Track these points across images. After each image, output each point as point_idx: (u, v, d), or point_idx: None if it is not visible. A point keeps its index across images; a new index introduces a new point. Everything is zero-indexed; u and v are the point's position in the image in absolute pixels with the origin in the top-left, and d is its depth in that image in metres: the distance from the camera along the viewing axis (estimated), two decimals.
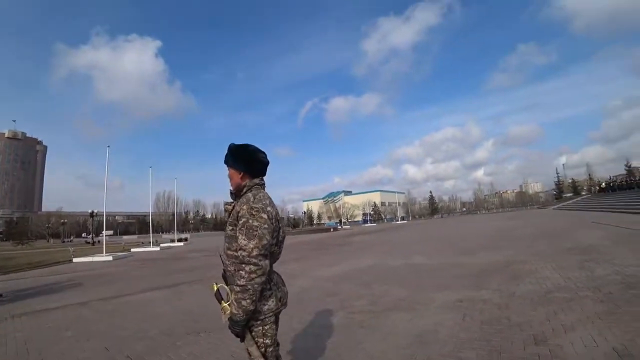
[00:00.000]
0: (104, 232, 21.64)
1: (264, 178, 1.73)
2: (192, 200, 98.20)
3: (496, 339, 2.94)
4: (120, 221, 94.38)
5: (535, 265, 6.15)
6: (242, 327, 1.49)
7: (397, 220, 72.32)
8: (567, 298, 3.99)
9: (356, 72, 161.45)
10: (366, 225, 59.05)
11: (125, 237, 56.69)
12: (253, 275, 1.41)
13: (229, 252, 1.58)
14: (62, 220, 70.59)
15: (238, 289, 1.43)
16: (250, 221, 1.46)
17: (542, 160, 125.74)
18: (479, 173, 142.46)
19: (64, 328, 4.43)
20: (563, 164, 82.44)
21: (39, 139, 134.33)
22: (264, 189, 1.67)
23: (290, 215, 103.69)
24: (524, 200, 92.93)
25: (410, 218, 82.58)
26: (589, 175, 72.10)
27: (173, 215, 77.42)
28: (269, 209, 1.52)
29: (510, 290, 4.62)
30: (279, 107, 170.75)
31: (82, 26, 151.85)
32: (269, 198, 1.61)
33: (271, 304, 1.54)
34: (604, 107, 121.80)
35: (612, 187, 38.08)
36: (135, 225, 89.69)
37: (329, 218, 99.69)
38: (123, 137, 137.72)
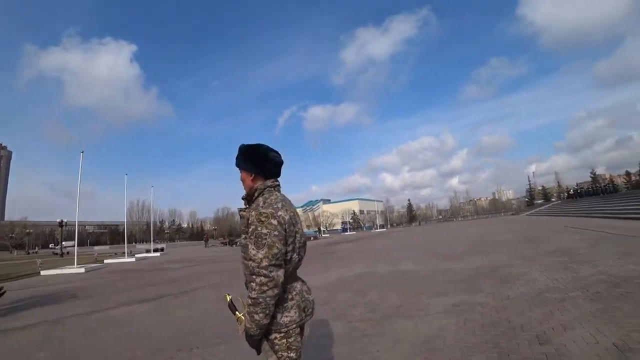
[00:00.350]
0: (75, 242, 19.97)
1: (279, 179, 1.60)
2: (167, 209, 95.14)
3: (502, 340, 2.95)
4: (90, 231, 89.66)
5: (522, 269, 6.30)
6: (257, 341, 1.39)
7: (377, 229, 73.01)
8: (559, 298, 4.09)
9: (334, 81, 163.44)
10: (346, 233, 59.10)
11: (96, 247, 53.83)
12: (264, 288, 1.29)
13: (245, 261, 1.47)
14: (27, 230, 66.34)
15: (250, 301, 1.33)
16: (259, 228, 1.33)
17: (514, 168, 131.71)
18: (454, 181, 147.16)
19: (36, 349, 4.06)
20: (533, 172, 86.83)
21: (3, 144, 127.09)
22: (278, 190, 1.54)
23: None
24: (497, 207, 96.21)
25: (389, 226, 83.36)
26: (558, 182, 76.14)
27: (147, 224, 74.80)
28: (280, 213, 1.38)
29: (503, 293, 4.69)
30: (257, 115, 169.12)
31: (54, 27, 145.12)
32: (283, 200, 1.47)
33: (294, 314, 1.42)
34: (569, 119, 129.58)
35: (580, 194, 40.32)
36: (107, 235, 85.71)
37: (308, 227, 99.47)
38: (93, 143, 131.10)
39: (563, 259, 6.71)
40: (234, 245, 35.95)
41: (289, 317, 1.40)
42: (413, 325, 3.69)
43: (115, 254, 27.84)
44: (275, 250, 1.32)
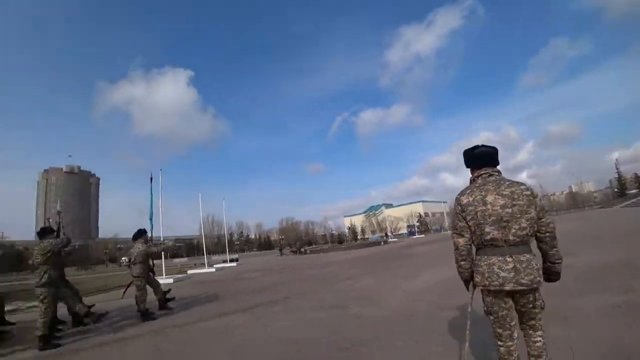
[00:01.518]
0: (163, 255, 21.40)
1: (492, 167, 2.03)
2: (235, 222, 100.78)
3: None
4: (170, 245, 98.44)
5: None
6: (464, 282, 2.06)
7: (444, 231, 68.56)
8: None
9: (382, 84, 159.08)
10: (414, 237, 56.21)
11: (175, 260, 58.67)
12: (454, 248, 2.00)
13: None
14: (118, 246, 75.03)
15: None
16: (454, 208, 1.97)
17: (590, 158, 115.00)
18: (523, 176, 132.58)
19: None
20: (617, 160, 74.58)
21: (92, 172, 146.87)
22: (484, 177, 1.93)
23: (334, 232, 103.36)
24: (577, 201, 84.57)
25: None
26: None
27: (218, 237, 79.67)
28: (461, 197, 1.94)
29: None
30: (309, 125, 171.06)
31: (119, 62, 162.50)
32: (476, 186, 1.92)
33: (479, 278, 1.86)
34: None
35: None
36: (184, 249, 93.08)
37: (372, 232, 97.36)
38: (163, 165, 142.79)
39: None
40: (306, 253, 36.44)
41: (476, 279, 1.89)
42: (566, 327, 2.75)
43: (195, 265, 29.64)
44: (454, 223, 1.99)
